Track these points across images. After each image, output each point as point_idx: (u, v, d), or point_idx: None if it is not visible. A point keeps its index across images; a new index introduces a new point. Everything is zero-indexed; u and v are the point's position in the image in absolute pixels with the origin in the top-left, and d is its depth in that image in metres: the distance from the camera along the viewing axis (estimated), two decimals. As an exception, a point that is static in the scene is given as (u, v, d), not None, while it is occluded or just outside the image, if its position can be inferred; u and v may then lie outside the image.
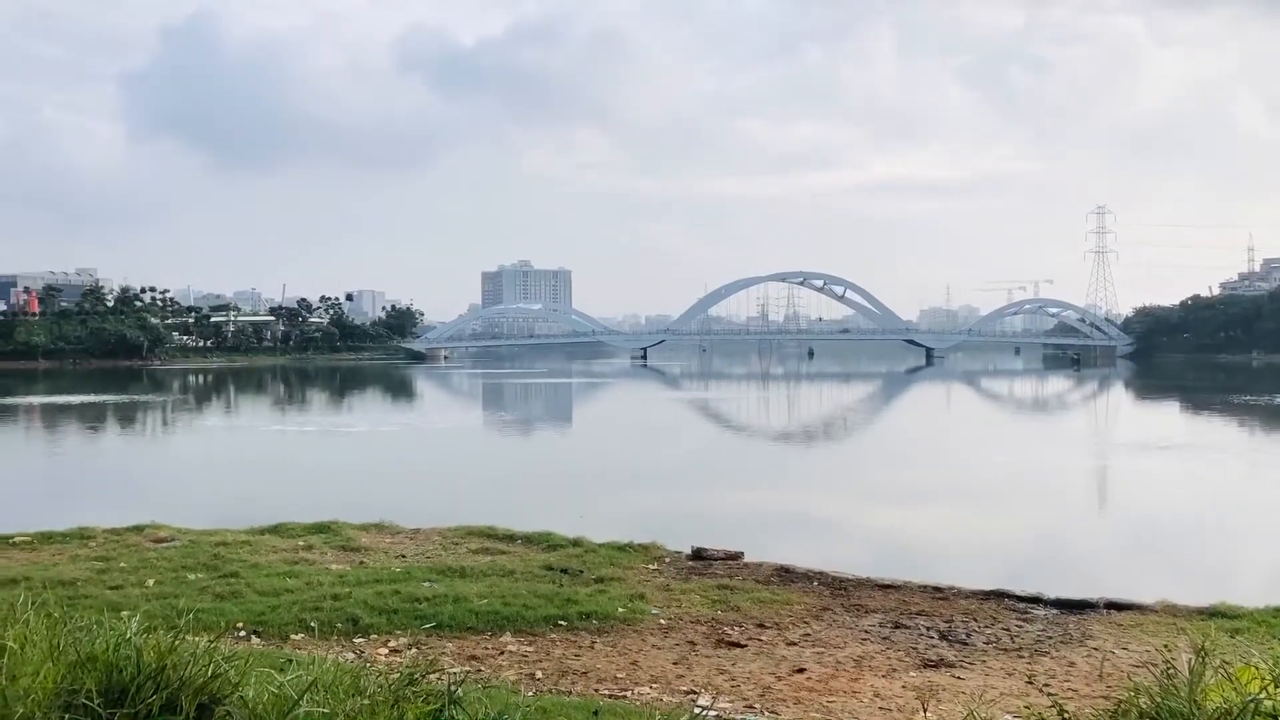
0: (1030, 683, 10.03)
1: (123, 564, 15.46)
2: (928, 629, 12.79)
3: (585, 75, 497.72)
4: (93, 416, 61.15)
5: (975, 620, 13.31)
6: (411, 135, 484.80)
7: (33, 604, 5.53)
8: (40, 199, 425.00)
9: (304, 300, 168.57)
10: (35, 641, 4.81)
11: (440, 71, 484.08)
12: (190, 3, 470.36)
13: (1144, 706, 5.12)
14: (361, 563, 16.04)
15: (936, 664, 11.20)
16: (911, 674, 10.78)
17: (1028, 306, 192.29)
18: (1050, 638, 12.46)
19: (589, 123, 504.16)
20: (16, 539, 17.57)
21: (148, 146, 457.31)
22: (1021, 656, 11.60)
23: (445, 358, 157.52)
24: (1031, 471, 35.13)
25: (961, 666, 11.11)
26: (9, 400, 74.08)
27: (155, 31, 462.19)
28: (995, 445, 45.48)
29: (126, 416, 62.33)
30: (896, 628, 12.83)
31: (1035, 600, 14.38)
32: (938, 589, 15.06)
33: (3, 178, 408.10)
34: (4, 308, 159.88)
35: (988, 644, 12.14)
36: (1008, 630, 12.83)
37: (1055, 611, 13.87)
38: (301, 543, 17.64)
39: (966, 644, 12.11)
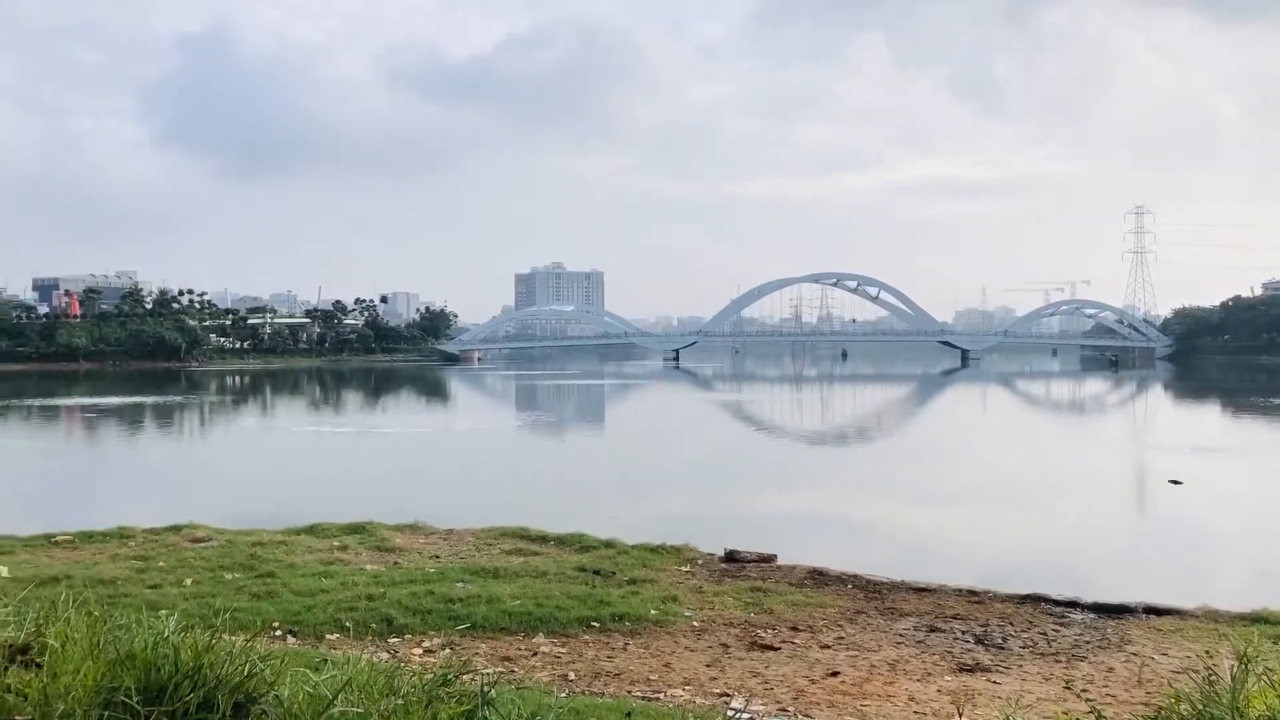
0: (1068, 688, 9.93)
1: (161, 563, 15.66)
2: (963, 633, 12.68)
3: (596, 80, 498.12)
4: (132, 417, 61.98)
5: (1011, 624, 13.18)
6: (432, 141, 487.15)
7: (74, 602, 5.60)
8: (78, 203, 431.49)
9: (339, 302, 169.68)
10: (76, 639, 4.87)
11: (451, 80, 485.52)
12: (210, 12, 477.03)
13: (1185, 713, 5.04)
14: (396, 563, 16.14)
15: (972, 668, 11.10)
16: (947, 678, 10.69)
17: (1065, 308, 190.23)
18: (1088, 642, 12.31)
19: (606, 127, 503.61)
20: (59, 538, 17.84)
21: (179, 152, 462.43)
22: (1059, 661, 11.47)
23: (479, 359, 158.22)
24: (1068, 474, 34.75)
25: (998, 671, 11.01)
26: (52, 401, 75.26)
27: (179, 39, 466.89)
28: (1031, 448, 45.06)
29: (165, 418, 63.12)
30: (932, 631, 12.73)
31: (1072, 604, 14.22)
32: (973, 592, 14.93)
33: (42, 182, 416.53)
34: (46, 310, 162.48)
35: (1024, 648, 12.02)
36: (1044, 635, 12.69)
37: (1093, 616, 13.71)
38: (337, 543, 17.78)
39: (1003, 648, 11.99)
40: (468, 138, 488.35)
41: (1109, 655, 11.74)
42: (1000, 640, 12.34)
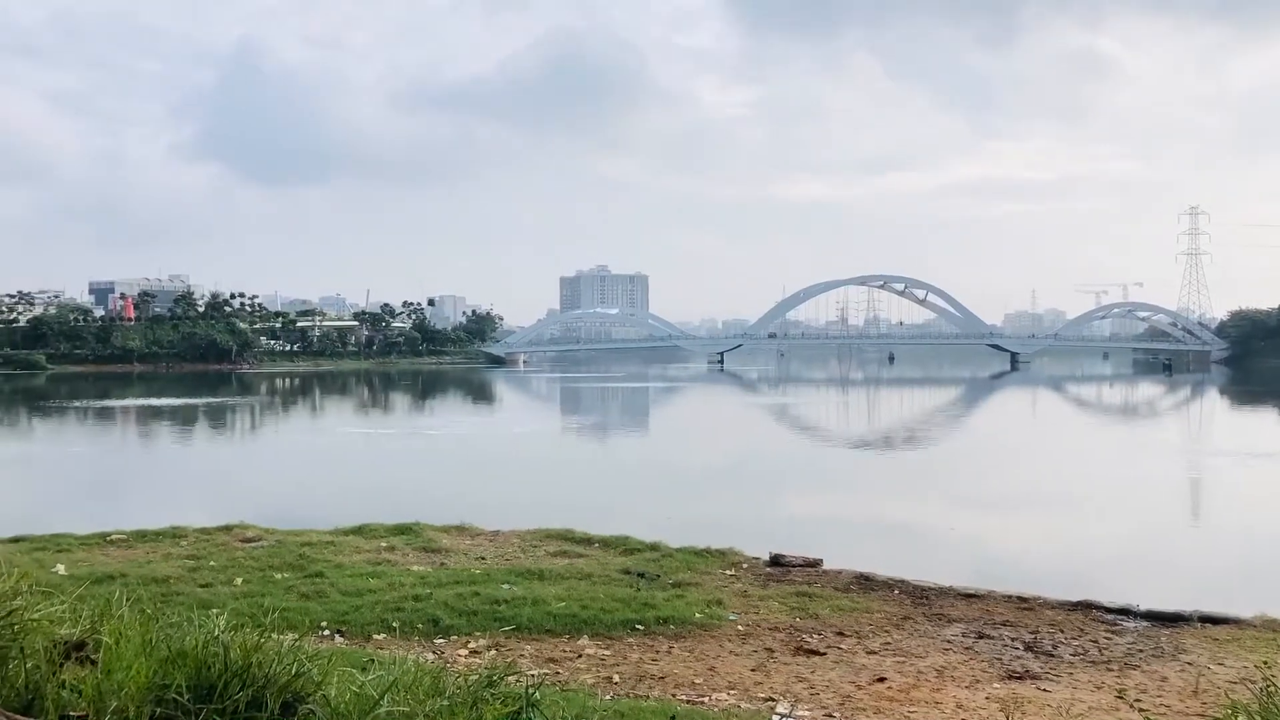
0: (1120, 697, 9.75)
1: (213, 562, 15.87)
2: (1012, 640, 12.50)
3: (618, 87, 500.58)
4: (185, 418, 63.02)
5: (1062, 631, 12.97)
6: (467, 148, 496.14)
7: (128, 600, 5.69)
8: (131, 209, 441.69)
9: (387, 305, 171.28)
10: (129, 637, 4.95)
11: (478, 89, 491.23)
12: (250, 23, 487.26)
13: (1242, 725, 4.93)
14: (442, 564, 16.24)
15: (1022, 676, 10.94)
16: (996, 685, 10.54)
17: (1116, 310, 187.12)
18: (1141, 651, 12.07)
19: (635, 133, 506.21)
20: (114, 536, 18.16)
21: (224, 159, 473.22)
22: (1110, 669, 11.27)
23: (524, 362, 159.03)
24: (1121, 479, 34.18)
25: (1048, 679, 10.84)
26: (108, 402, 76.77)
27: (221, 51, 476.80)
28: (1083, 452, 44.37)
29: (217, 419, 64.11)
30: (980, 638, 12.57)
31: (1125, 612, 13.95)
32: (1022, 599, 14.71)
33: (97, 188, 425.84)
34: (102, 313, 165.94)
35: (1075, 656, 11.83)
36: (1096, 642, 12.47)
37: (1146, 624, 13.45)
38: (384, 544, 17.92)
39: (1053, 656, 11.81)
40: (501, 144, 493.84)
41: (1163, 664, 11.51)
42: (1050, 647, 12.15)
